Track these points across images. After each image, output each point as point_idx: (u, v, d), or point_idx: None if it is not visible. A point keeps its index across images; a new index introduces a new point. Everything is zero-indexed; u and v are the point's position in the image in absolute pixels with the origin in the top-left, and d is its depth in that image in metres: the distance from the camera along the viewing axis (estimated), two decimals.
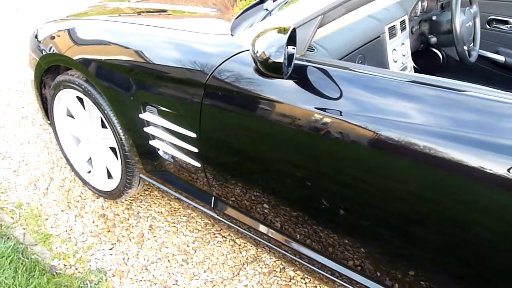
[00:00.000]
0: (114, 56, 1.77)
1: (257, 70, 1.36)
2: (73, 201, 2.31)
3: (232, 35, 1.55)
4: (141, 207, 2.27)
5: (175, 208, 2.27)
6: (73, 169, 2.39)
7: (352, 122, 1.19)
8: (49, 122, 2.41)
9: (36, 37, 2.21)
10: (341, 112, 1.21)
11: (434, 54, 2.44)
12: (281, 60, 1.19)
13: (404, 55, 2.08)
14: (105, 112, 1.93)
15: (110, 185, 2.22)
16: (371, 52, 1.82)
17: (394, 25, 1.98)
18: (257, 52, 1.25)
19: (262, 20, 1.58)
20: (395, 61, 2.00)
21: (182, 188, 1.85)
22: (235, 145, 1.54)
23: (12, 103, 3.20)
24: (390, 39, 1.94)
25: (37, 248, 2.01)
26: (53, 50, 2.05)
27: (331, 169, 1.29)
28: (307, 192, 1.37)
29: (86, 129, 2.17)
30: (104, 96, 1.89)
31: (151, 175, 1.95)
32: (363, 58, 1.76)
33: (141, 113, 1.77)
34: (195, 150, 1.65)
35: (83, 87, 1.97)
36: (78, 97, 2.13)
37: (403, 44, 2.07)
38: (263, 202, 1.55)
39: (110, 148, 2.14)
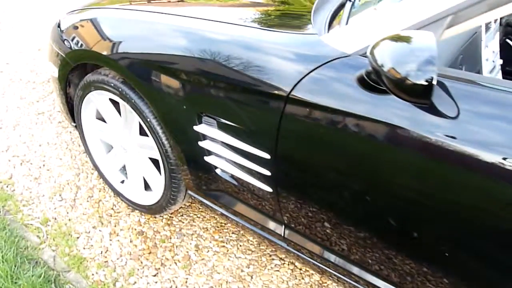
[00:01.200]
0: (162, 55, 1.48)
1: (363, 82, 1.08)
2: (105, 215, 2.04)
3: (317, 35, 1.25)
4: (183, 222, 2.01)
5: (221, 223, 2.01)
6: (103, 177, 2.12)
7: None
8: (74, 124, 2.12)
9: (59, 28, 1.90)
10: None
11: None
12: (423, 81, 0.90)
13: (494, 52, 1.77)
14: (147, 119, 1.64)
15: (148, 199, 1.94)
16: (468, 51, 1.52)
17: None
18: (382, 66, 0.95)
19: (355, 15, 1.28)
20: (487, 60, 1.70)
21: (243, 211, 1.58)
22: (323, 171, 1.26)
23: (26, 97, 2.89)
24: (485, 33, 1.64)
25: (71, 276, 1.75)
26: (82, 45, 1.74)
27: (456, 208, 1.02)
28: (409, 225, 1.11)
29: (121, 135, 1.88)
30: (147, 101, 1.60)
31: (203, 193, 1.68)
32: (462, 61, 1.46)
33: (196, 124, 1.48)
34: (267, 173, 1.37)
35: (120, 89, 1.68)
36: (111, 99, 1.84)
37: (493, 39, 1.77)
38: (345, 232, 1.29)
39: (150, 158, 1.86)
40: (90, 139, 2.06)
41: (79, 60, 1.81)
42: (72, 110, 2.08)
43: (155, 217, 2.02)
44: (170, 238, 1.93)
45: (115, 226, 1.98)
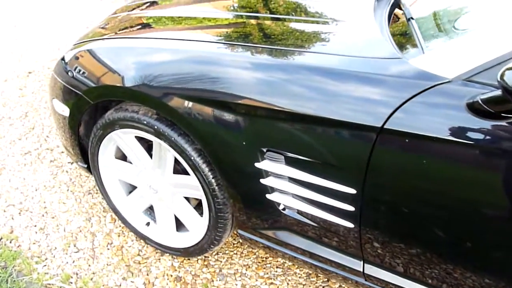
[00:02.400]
0: (215, 88, 1.34)
1: (477, 108, 1.01)
2: (133, 262, 1.85)
3: (403, 59, 1.18)
4: (221, 261, 1.86)
5: (262, 258, 1.88)
6: (123, 220, 1.92)
7: None
8: (85, 166, 1.91)
9: (68, 62, 1.69)
10: None
11: None
12: None
13: None
14: (191, 158, 1.49)
15: (184, 240, 1.78)
16: None
17: None
18: None
19: (432, 37, 1.21)
20: None
21: (309, 248, 1.47)
22: (421, 204, 1.18)
23: (4, 135, 2.60)
24: None
25: None
26: (106, 81, 1.56)
27: None
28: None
29: (150, 175, 1.71)
30: (194, 139, 1.45)
31: (258, 232, 1.55)
32: None
33: (258, 161, 1.35)
34: (350, 208, 1.27)
35: (155, 127, 1.51)
36: (136, 137, 1.66)
37: None
38: (435, 265, 1.23)
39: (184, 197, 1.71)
40: (108, 180, 1.86)
41: (101, 97, 1.62)
42: (82, 150, 1.87)
43: (189, 259, 1.86)
44: (212, 281, 1.78)
45: (147, 274, 1.80)
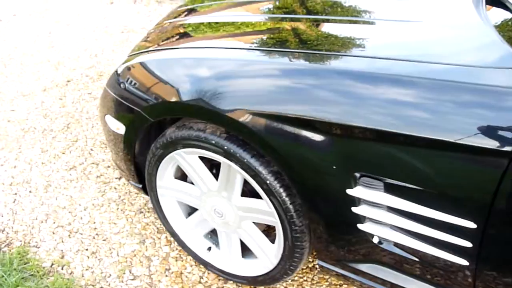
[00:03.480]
0: (296, 103, 1.17)
1: None
2: None
3: None
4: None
5: (335, 284, 1.70)
6: (182, 244, 1.78)
7: None
8: (140, 186, 1.76)
9: (121, 76, 1.55)
10: None
11: None
12: None
13: None
14: (266, 181, 1.32)
15: (251, 269, 1.62)
16: None
17: None
18: None
19: None
20: None
21: (402, 283, 1.29)
22: None
23: (47, 149, 2.49)
24: None
25: None
26: (165, 96, 1.40)
27: None
28: None
29: (214, 197, 1.55)
30: (273, 161, 1.28)
31: (342, 263, 1.37)
32: None
33: (351, 187, 1.17)
34: (465, 244, 1.08)
35: (224, 147, 1.35)
36: (200, 157, 1.51)
37: None
38: None
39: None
40: (166, 202, 1.71)
41: (162, 114, 1.47)
42: (137, 169, 1.73)
43: (250, 287, 1.69)
44: None
45: None
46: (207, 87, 1.32)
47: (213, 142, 1.38)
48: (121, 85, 1.55)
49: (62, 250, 1.88)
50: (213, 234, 1.75)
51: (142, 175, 1.75)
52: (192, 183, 1.63)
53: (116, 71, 1.60)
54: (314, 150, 1.18)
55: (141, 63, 1.52)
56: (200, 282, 1.73)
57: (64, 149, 2.48)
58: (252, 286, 1.70)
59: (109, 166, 2.34)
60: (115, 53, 3.56)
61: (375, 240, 1.25)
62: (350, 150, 1.14)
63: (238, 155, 1.35)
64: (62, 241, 1.93)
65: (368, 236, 1.25)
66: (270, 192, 1.35)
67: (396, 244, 1.23)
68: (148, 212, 2.06)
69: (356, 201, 1.20)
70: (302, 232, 1.39)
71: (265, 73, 1.27)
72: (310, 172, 1.22)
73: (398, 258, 1.24)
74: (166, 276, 1.76)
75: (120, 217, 2.03)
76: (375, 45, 1.27)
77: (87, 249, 1.88)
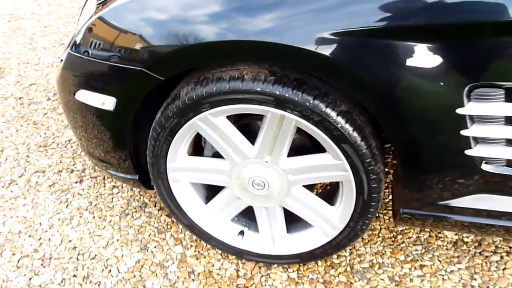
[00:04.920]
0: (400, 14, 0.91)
1: None
2: None
3: None
4: (345, 257, 1.45)
5: (389, 238, 1.50)
6: (206, 237, 1.44)
7: None
8: (136, 177, 1.37)
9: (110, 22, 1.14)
10: None
11: None
12: None
13: None
14: (338, 126, 1.06)
15: (303, 243, 1.36)
16: None
17: None
18: None
19: None
20: None
21: None
22: None
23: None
24: None
25: None
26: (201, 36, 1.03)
27: None
28: None
29: (251, 166, 1.23)
30: (361, 94, 1.02)
31: (435, 206, 1.15)
32: None
33: (462, 105, 0.96)
34: None
35: (276, 93, 1.05)
36: (228, 118, 1.18)
37: None
38: None
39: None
40: (181, 189, 1.35)
41: (185, 65, 1.09)
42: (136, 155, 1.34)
43: (305, 266, 1.42)
44: (351, 283, 1.36)
45: None
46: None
47: (258, 90, 1.06)
48: (101, 44, 1.14)
49: (40, 286, 1.41)
50: (241, 216, 1.42)
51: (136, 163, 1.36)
52: (215, 156, 1.29)
53: (100, 17, 1.16)
54: (417, 68, 0.93)
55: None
56: (238, 276, 1.41)
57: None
58: (303, 265, 1.42)
59: (60, 171, 1.84)
60: (10, 44, 2.91)
61: (485, 167, 1.05)
62: (464, 56, 0.91)
63: (296, 99, 1.05)
64: (36, 274, 1.44)
65: (476, 162, 1.04)
66: (341, 139, 1.08)
67: (510, 163, 1.04)
68: (136, 212, 1.65)
69: (467, 121, 0.98)
70: (380, 180, 1.15)
71: None
72: (411, 98, 0.97)
73: (511, 179, 1.06)
74: (193, 280, 1.40)
75: (103, 226, 1.60)
76: None
77: (75, 275, 1.44)
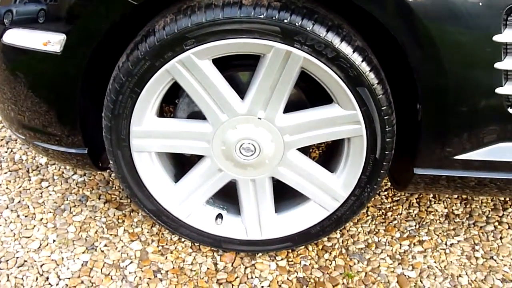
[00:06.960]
0: None
1: None
2: (218, 285, 1.12)
3: None
4: (337, 239, 1.27)
5: (379, 215, 1.35)
6: (174, 226, 1.17)
7: None
8: (85, 150, 1.08)
9: None
10: None
11: None
12: None
13: None
14: (354, 64, 0.90)
15: (297, 222, 1.16)
16: None
17: None
18: None
19: None
20: None
21: None
22: None
23: None
24: None
25: None
26: None
27: None
28: None
29: (240, 126, 1.01)
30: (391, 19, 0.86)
31: (451, 162, 1.02)
32: None
33: (499, 32, 0.85)
34: None
35: (284, 21, 0.87)
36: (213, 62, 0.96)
37: None
38: None
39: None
40: (146, 162, 1.08)
41: None
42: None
43: (295, 253, 1.22)
44: (350, 266, 1.18)
45: None
46: None
47: (261, 18, 0.85)
48: None
49: None
50: (216, 198, 1.18)
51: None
52: (193, 117, 1.04)
53: None
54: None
55: None
56: (217, 270, 1.15)
57: None
58: (292, 251, 1.21)
59: None
60: None
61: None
62: None
63: (307, 29, 0.86)
64: None
65: (504, 104, 0.93)
66: (358, 81, 0.91)
67: None
68: (75, 206, 1.33)
69: (502, 53, 0.86)
70: (394, 134, 1.00)
71: None
72: (444, 21, 0.83)
73: None
74: (161, 280, 1.12)
75: (31, 226, 1.26)
76: None
77: None
